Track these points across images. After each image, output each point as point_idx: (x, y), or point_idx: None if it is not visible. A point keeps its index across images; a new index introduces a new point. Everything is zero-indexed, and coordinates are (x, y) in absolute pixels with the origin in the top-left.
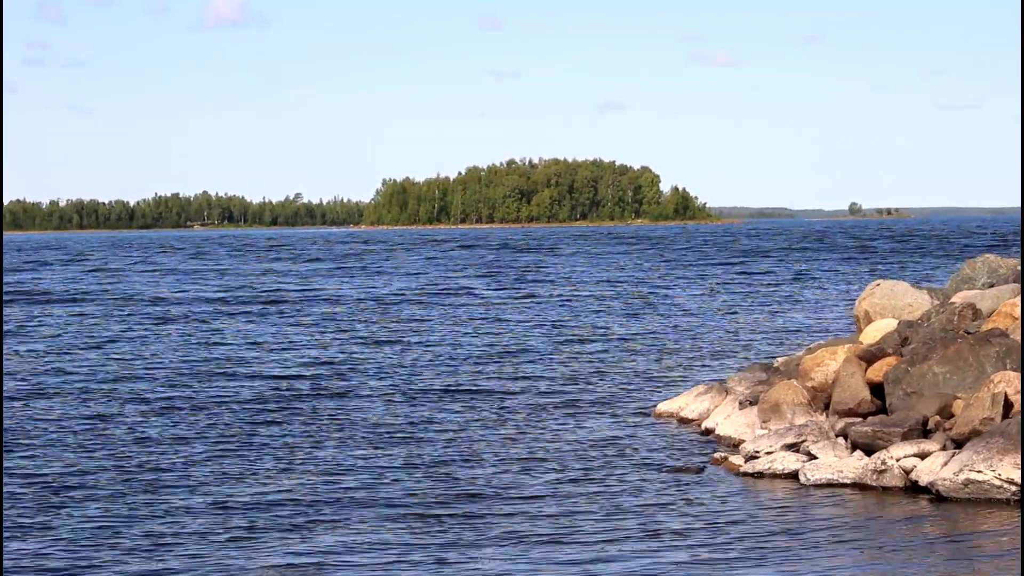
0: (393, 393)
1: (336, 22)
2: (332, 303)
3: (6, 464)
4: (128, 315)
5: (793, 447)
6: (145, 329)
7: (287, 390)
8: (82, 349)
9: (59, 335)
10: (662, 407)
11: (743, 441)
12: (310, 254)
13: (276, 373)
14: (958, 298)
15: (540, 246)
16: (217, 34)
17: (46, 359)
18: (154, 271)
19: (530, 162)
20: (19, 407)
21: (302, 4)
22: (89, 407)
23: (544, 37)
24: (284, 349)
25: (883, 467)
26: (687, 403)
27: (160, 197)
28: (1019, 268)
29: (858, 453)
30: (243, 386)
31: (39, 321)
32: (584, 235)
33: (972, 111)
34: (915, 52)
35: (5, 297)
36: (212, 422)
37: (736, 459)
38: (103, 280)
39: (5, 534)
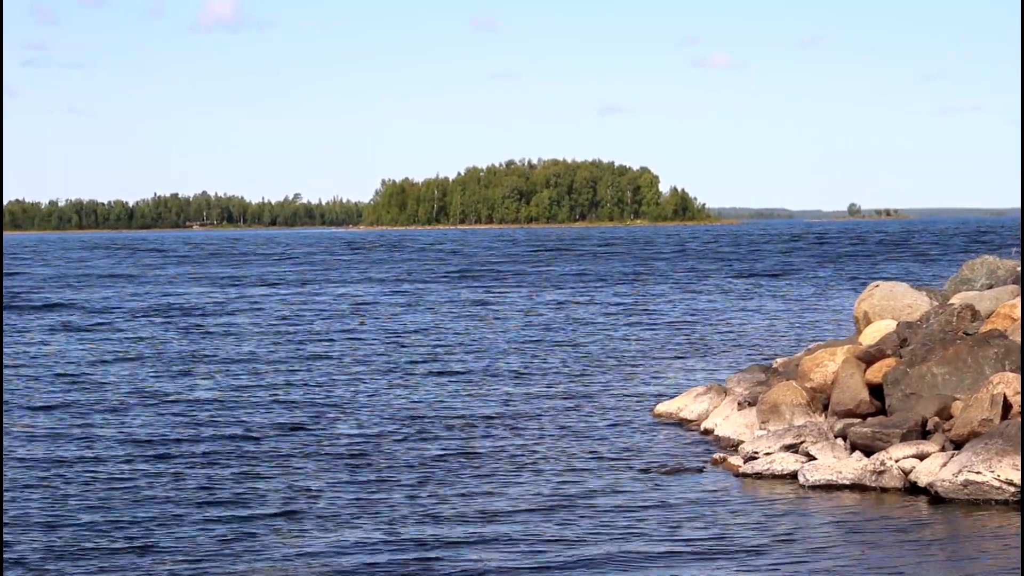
0: (391, 397)
1: (334, 23)
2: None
3: (7, 465)
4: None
5: (792, 448)
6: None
7: (282, 395)
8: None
9: (52, 347)
10: (661, 408)
11: (742, 442)
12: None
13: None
14: (957, 299)
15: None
16: (214, 35)
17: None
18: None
19: (529, 163)
20: (20, 413)
21: (295, 6)
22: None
23: (543, 39)
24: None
25: (882, 468)
26: (686, 404)
27: (159, 197)
28: (1018, 269)
29: (857, 454)
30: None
31: (39, 330)
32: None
33: (971, 112)
34: (914, 54)
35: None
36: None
37: (735, 460)
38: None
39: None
